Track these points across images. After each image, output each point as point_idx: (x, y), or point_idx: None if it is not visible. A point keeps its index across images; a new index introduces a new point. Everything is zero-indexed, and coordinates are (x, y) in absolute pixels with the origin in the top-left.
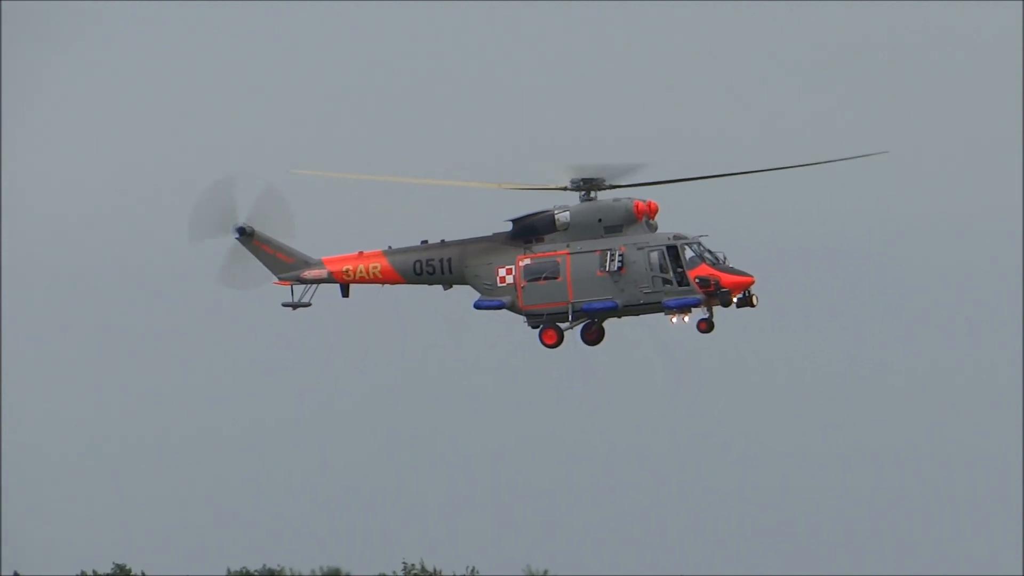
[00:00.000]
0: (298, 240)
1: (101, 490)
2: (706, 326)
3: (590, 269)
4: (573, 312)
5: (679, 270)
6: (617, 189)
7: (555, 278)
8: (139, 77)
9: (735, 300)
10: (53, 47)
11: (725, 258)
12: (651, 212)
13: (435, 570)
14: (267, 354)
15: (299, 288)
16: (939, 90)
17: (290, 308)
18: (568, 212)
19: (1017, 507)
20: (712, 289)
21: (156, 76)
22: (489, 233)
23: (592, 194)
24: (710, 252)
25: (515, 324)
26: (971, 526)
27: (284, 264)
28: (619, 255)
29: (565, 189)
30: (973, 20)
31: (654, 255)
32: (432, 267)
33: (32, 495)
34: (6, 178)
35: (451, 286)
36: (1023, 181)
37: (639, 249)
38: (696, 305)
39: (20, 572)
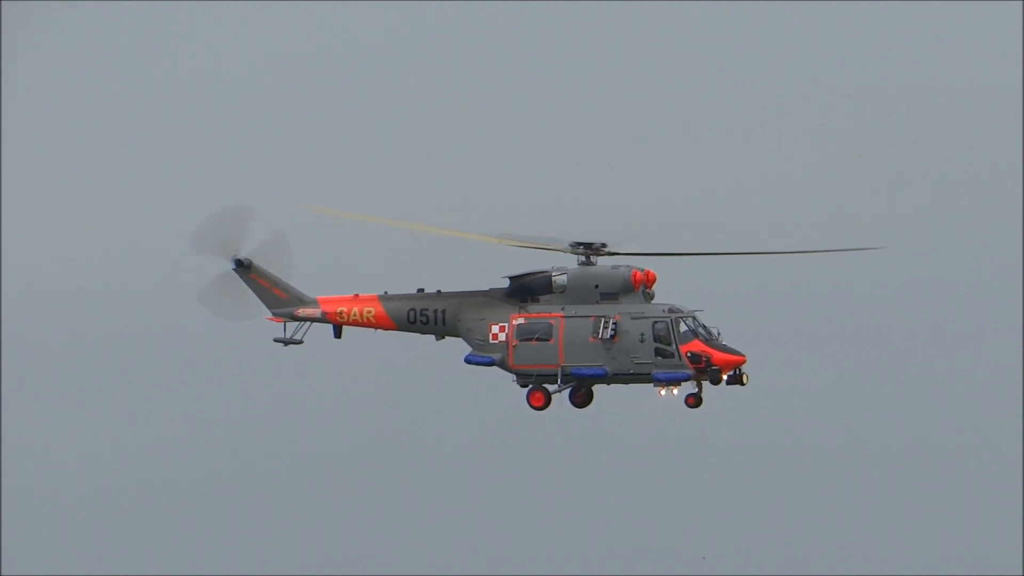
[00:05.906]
0: (295, 276)
1: (81, 529)
2: (694, 401)
3: (583, 334)
4: (563, 375)
5: (671, 344)
6: (616, 256)
7: (547, 340)
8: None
9: (725, 378)
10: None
11: (719, 334)
12: (648, 282)
13: None
14: (256, 389)
15: (292, 325)
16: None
17: (281, 344)
18: (566, 275)
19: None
20: (703, 365)
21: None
22: (485, 287)
23: (591, 259)
24: (704, 328)
25: (504, 382)
26: None
27: (279, 299)
28: (612, 323)
29: (566, 251)
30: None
31: (647, 326)
32: (426, 317)
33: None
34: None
35: (443, 337)
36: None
37: (633, 319)
38: (686, 380)
39: None
